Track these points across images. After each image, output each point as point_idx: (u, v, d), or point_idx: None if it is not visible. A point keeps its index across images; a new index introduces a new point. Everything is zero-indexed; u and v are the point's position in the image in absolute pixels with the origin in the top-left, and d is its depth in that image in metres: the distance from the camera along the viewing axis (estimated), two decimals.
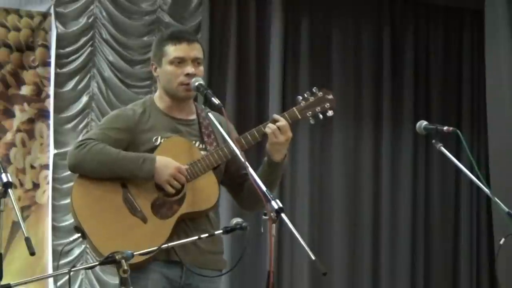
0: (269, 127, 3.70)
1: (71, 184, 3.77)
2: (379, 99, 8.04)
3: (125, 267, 3.09)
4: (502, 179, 6.96)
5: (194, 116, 3.85)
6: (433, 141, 4.27)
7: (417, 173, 8.11)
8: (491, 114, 7.31)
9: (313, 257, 3.13)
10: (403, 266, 7.95)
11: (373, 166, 7.97)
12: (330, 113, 3.82)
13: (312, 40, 7.81)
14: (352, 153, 7.93)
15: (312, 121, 3.82)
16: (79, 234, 3.69)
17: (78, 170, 3.72)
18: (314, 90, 3.83)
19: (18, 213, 3.19)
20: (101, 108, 7.03)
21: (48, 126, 6.93)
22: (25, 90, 6.89)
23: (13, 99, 6.84)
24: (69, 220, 6.69)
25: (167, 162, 3.65)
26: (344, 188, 7.87)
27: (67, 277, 3.31)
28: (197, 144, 3.79)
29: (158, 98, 3.85)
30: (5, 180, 3.11)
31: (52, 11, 6.95)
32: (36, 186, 6.88)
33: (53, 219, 6.87)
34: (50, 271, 6.73)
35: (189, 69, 3.74)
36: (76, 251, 6.87)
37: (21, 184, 6.81)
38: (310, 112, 3.80)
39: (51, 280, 6.74)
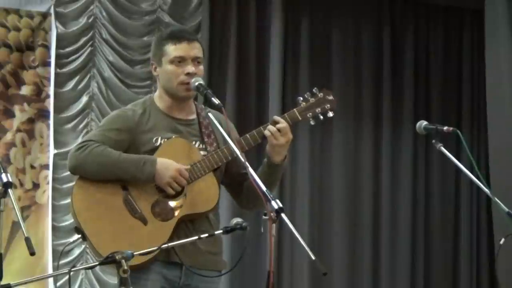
0: (269, 129, 3.70)
1: (71, 184, 3.78)
2: (379, 99, 8.03)
3: (125, 267, 3.09)
4: (502, 179, 6.95)
5: (194, 116, 3.85)
6: (433, 141, 4.27)
7: (417, 173, 8.11)
8: (491, 113, 7.31)
9: (313, 257, 3.13)
10: (403, 266, 7.95)
11: (373, 166, 7.97)
12: (330, 114, 3.81)
13: (312, 40, 7.81)
14: (352, 153, 7.93)
15: (312, 122, 3.82)
16: (79, 235, 3.69)
17: (78, 172, 3.72)
18: (314, 90, 3.82)
19: (18, 213, 3.19)
20: (101, 108, 7.03)
21: (48, 126, 6.93)
22: (25, 90, 6.89)
23: (13, 99, 6.84)
24: (69, 220, 6.69)
25: (167, 164, 3.65)
26: (344, 188, 7.87)
27: (67, 277, 3.31)
28: (197, 144, 3.78)
29: (158, 98, 3.84)
30: (5, 180, 3.11)
31: (52, 11, 6.95)
32: (36, 186, 6.88)
33: (53, 219, 6.87)
34: (50, 271, 6.73)
35: (189, 68, 3.74)
36: (76, 251, 6.87)
37: (21, 184, 6.81)
38: (310, 113, 3.79)
39: (51, 280, 6.74)
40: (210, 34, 7.38)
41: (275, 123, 3.71)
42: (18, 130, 6.84)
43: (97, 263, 3.26)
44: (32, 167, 6.88)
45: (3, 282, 3.08)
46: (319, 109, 3.80)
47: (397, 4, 8.15)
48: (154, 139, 3.74)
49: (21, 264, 6.47)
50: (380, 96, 8.04)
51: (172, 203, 3.67)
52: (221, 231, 3.46)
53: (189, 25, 7.25)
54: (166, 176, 3.64)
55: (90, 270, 6.71)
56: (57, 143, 6.92)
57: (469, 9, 8.21)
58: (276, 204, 3.18)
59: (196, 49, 3.78)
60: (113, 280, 6.56)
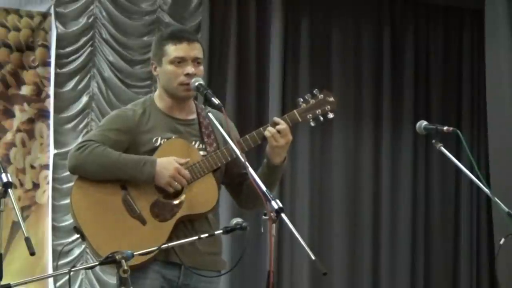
0: (269, 131, 3.69)
1: (71, 184, 3.77)
2: (379, 99, 8.03)
3: (125, 267, 3.09)
4: (502, 179, 6.96)
5: (194, 116, 3.85)
6: (433, 141, 4.27)
7: (417, 173, 8.10)
8: (491, 113, 7.31)
9: (313, 257, 3.13)
10: (403, 266, 7.95)
11: (373, 166, 7.97)
12: (330, 115, 3.81)
13: (312, 40, 7.81)
14: (352, 153, 7.93)
15: (312, 124, 3.81)
16: (78, 235, 3.69)
17: (78, 172, 3.72)
18: (315, 92, 3.82)
19: (18, 213, 3.19)
20: (101, 108, 7.03)
21: (48, 126, 6.93)
22: (25, 90, 6.89)
23: (13, 99, 6.84)
24: (69, 220, 6.69)
25: (167, 164, 3.65)
26: (344, 188, 7.87)
27: (67, 277, 3.31)
28: (197, 144, 3.78)
29: (158, 98, 3.84)
30: (5, 180, 3.11)
31: (52, 11, 6.95)
32: (36, 186, 6.88)
33: (53, 219, 6.87)
34: (50, 271, 6.73)
35: (189, 69, 3.74)
36: (76, 251, 6.87)
37: (21, 184, 6.81)
38: (310, 115, 3.79)
39: (51, 280, 6.74)
40: (210, 34, 7.38)
41: (275, 124, 3.71)
42: (18, 130, 6.84)
43: (97, 263, 3.26)
44: (32, 167, 6.88)
45: (3, 282, 3.08)
46: (319, 110, 3.80)
47: (397, 4, 8.15)
48: (154, 139, 3.74)
49: (21, 264, 6.47)
50: (380, 96, 8.04)
51: (171, 204, 3.67)
52: (221, 231, 3.47)
53: (189, 25, 7.25)
54: (165, 175, 3.64)
55: (90, 270, 6.71)
56: (57, 143, 6.92)
57: (469, 9, 8.21)
58: (276, 204, 3.18)
59: (196, 50, 3.77)
60: (113, 280, 6.55)
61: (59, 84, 7.00)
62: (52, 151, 6.91)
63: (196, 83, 3.70)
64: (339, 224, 7.81)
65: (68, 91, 7.03)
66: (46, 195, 6.89)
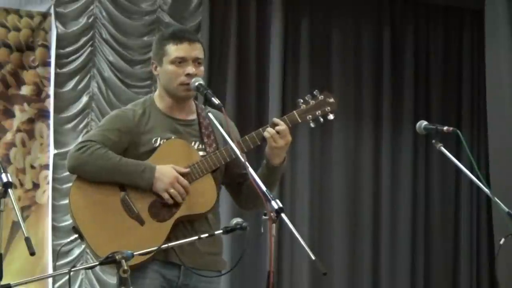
0: (268, 132, 3.69)
1: (71, 184, 3.77)
2: (379, 99, 8.03)
3: (125, 267, 3.09)
4: (502, 179, 6.95)
5: (194, 116, 3.84)
6: (433, 141, 4.27)
7: (417, 173, 8.10)
8: (491, 113, 7.31)
9: (313, 257, 3.13)
10: (403, 266, 7.95)
11: (373, 166, 7.97)
12: (331, 116, 3.80)
13: (312, 40, 7.81)
14: (352, 153, 7.93)
15: (312, 125, 3.80)
16: (76, 235, 3.69)
17: (77, 172, 3.72)
18: (315, 93, 3.81)
19: (18, 213, 3.19)
20: (101, 108, 7.02)
21: (48, 126, 6.93)
22: (25, 90, 6.89)
23: (13, 99, 6.84)
24: (69, 220, 6.68)
25: (166, 172, 3.65)
26: (344, 188, 7.87)
27: (67, 277, 3.31)
28: (196, 145, 3.78)
29: (158, 98, 3.84)
30: (5, 180, 3.11)
31: (52, 11, 6.95)
32: (36, 186, 6.88)
33: (53, 219, 6.87)
34: (50, 271, 6.72)
35: (190, 69, 3.73)
36: (76, 251, 6.87)
37: (21, 184, 6.81)
38: (310, 116, 3.78)
39: (51, 280, 6.74)
40: (210, 34, 7.38)
41: (274, 125, 3.70)
42: (18, 130, 6.83)
43: (97, 263, 3.26)
44: (32, 167, 6.88)
45: (3, 282, 3.08)
46: (319, 111, 3.79)
47: (397, 4, 8.15)
48: (154, 139, 3.74)
49: (21, 264, 6.47)
50: (380, 96, 8.03)
51: (169, 205, 3.67)
52: (221, 231, 3.47)
53: (189, 25, 7.25)
54: (163, 183, 3.64)
55: (90, 270, 6.71)
56: (57, 143, 6.92)
57: (469, 9, 8.21)
58: (276, 204, 3.18)
59: (197, 50, 3.77)
60: (113, 280, 6.56)
61: (59, 84, 6.99)
62: (52, 151, 6.91)
63: (196, 83, 3.69)
64: (339, 224, 7.81)
65: (68, 91, 7.03)
66: (46, 195, 6.89)
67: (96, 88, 7.09)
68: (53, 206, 6.88)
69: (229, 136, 3.57)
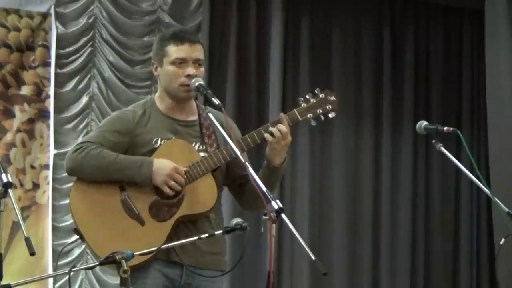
0: (269, 132, 3.68)
1: (71, 184, 3.77)
2: (379, 99, 8.04)
3: (125, 268, 3.09)
4: (502, 179, 6.95)
5: (195, 117, 3.84)
6: (433, 141, 4.27)
7: (417, 173, 8.11)
8: (491, 114, 7.31)
9: (313, 257, 3.13)
10: (403, 266, 7.95)
11: (373, 166, 7.97)
12: (332, 114, 3.80)
13: (312, 40, 7.81)
14: (352, 153, 7.93)
15: (313, 123, 3.80)
16: (78, 237, 3.69)
17: (75, 174, 3.73)
18: (316, 91, 3.81)
19: (18, 213, 3.19)
20: (101, 108, 7.02)
21: (48, 126, 6.93)
22: (25, 90, 6.89)
23: (13, 99, 6.84)
24: (69, 220, 6.69)
25: (164, 164, 3.64)
26: (344, 188, 7.87)
27: (67, 277, 3.31)
28: (197, 145, 3.78)
29: (159, 99, 3.84)
30: (5, 180, 3.11)
31: (52, 11, 6.95)
32: (36, 186, 6.88)
33: (53, 219, 6.86)
34: (50, 271, 6.72)
35: (190, 70, 3.73)
36: (76, 252, 6.87)
37: (21, 184, 6.81)
38: (311, 114, 3.77)
39: (51, 280, 6.74)
40: (210, 34, 7.38)
41: (275, 124, 3.70)
42: (18, 130, 6.83)
43: (97, 263, 3.26)
44: (32, 167, 6.88)
45: (3, 282, 3.08)
46: (320, 109, 3.78)
47: (397, 3, 8.15)
48: (154, 140, 3.74)
49: (21, 264, 6.46)
50: (380, 96, 8.04)
51: (169, 204, 3.67)
52: (221, 231, 3.46)
53: (189, 25, 7.25)
54: (162, 175, 3.63)
55: (90, 270, 6.71)
56: (57, 143, 6.92)
57: (469, 9, 8.21)
58: (276, 204, 3.18)
59: (197, 51, 3.77)
60: (113, 280, 6.57)
61: (59, 84, 6.99)
62: (52, 151, 6.91)
63: (196, 84, 3.69)
64: (339, 224, 7.81)
65: (68, 91, 7.03)
66: (46, 195, 6.89)
67: (96, 88, 7.09)
68: (53, 206, 6.87)
69: (230, 136, 3.57)
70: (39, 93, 6.93)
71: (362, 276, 7.86)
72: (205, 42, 7.13)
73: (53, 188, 6.88)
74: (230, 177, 3.84)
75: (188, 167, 3.68)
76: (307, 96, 3.79)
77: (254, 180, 3.31)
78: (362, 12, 8.03)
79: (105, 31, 7.10)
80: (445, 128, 4.28)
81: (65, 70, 7.02)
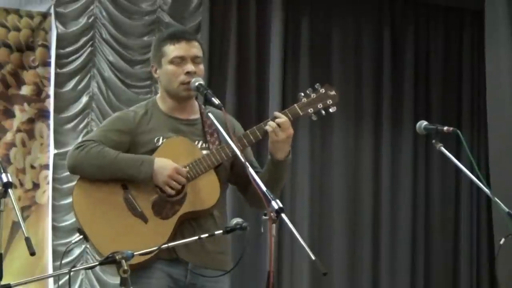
0: (270, 125, 3.68)
1: (71, 184, 3.79)
2: (379, 99, 8.04)
3: (125, 267, 3.08)
4: (502, 179, 6.95)
5: (197, 116, 3.84)
6: (433, 141, 4.26)
7: (417, 173, 8.10)
8: (491, 114, 7.31)
9: (313, 257, 3.12)
10: (403, 266, 7.95)
11: (373, 166, 7.97)
12: (332, 109, 3.80)
13: (312, 39, 7.81)
14: (352, 152, 7.93)
15: (314, 118, 3.79)
16: (81, 236, 3.69)
17: (77, 172, 3.73)
18: (316, 86, 3.81)
19: (18, 213, 3.19)
20: (101, 108, 7.02)
21: (48, 126, 6.93)
22: (25, 90, 6.89)
23: (13, 99, 6.84)
24: (69, 220, 6.70)
25: (165, 164, 3.64)
26: (344, 188, 7.87)
27: (67, 277, 3.31)
28: (200, 144, 3.77)
29: (161, 99, 3.84)
30: (5, 180, 3.11)
31: (52, 11, 6.95)
32: (36, 186, 6.88)
33: (53, 219, 6.86)
34: (50, 271, 6.72)
35: (189, 67, 3.73)
36: (76, 251, 6.87)
37: (21, 184, 6.81)
38: (312, 109, 3.77)
39: (51, 280, 6.74)
40: (210, 34, 7.38)
41: (275, 118, 3.70)
42: (18, 130, 6.83)
43: (97, 263, 3.26)
44: (32, 167, 6.88)
45: (3, 282, 3.08)
46: (321, 104, 3.78)
47: (398, 3, 8.15)
48: (156, 139, 3.74)
49: (21, 264, 6.47)
50: (380, 95, 8.04)
51: (172, 201, 3.66)
52: (221, 231, 3.46)
53: (189, 25, 7.25)
54: (163, 175, 3.63)
55: (90, 270, 6.71)
56: (57, 143, 6.92)
57: (469, 9, 8.21)
58: (276, 204, 3.18)
59: (195, 48, 3.77)
60: (113, 280, 6.57)
61: (59, 84, 7.00)
62: (52, 151, 6.91)
63: (196, 83, 3.69)
64: (339, 224, 7.81)
65: (68, 91, 7.03)
66: (46, 195, 6.89)
67: (96, 88, 7.09)
68: (53, 206, 6.87)
69: (231, 135, 3.57)
70: (39, 93, 6.93)
71: (362, 276, 7.86)
72: (205, 42, 7.14)
73: (53, 188, 6.88)
74: (235, 175, 3.83)
75: (190, 164, 3.67)
76: (308, 91, 3.79)
77: (254, 180, 3.31)
78: (362, 12, 8.03)
79: (105, 31, 7.11)
80: (445, 128, 4.27)
81: (65, 70, 7.03)
